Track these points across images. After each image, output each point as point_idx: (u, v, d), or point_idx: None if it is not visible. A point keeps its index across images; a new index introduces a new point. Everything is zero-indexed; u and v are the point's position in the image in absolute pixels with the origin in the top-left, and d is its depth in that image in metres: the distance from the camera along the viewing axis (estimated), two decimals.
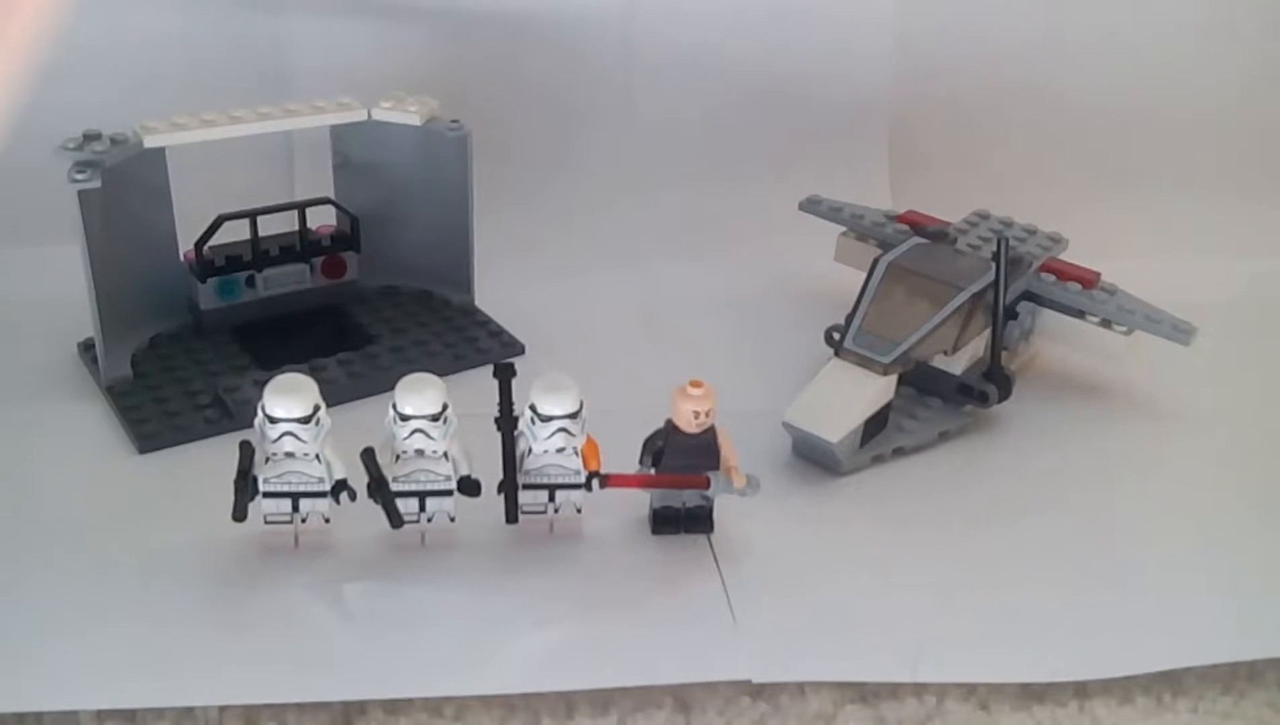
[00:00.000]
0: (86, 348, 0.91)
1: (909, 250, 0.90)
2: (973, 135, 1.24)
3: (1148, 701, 0.68)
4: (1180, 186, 1.23)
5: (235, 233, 0.93)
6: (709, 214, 1.16)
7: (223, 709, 0.64)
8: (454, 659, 0.67)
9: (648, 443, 0.74)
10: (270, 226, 0.95)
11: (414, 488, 0.73)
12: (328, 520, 0.73)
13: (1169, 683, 0.69)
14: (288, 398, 0.69)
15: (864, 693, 0.67)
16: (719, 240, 1.14)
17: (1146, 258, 1.06)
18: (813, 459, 0.84)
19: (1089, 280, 0.92)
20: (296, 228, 0.95)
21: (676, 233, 1.14)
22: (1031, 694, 0.67)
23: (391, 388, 0.71)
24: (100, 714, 0.63)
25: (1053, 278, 0.92)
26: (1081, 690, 0.68)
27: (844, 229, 1.03)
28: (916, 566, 0.75)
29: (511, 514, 0.74)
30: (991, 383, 0.87)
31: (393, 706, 0.65)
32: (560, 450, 0.72)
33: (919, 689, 0.67)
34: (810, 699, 0.67)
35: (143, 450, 0.82)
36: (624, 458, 0.74)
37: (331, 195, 0.98)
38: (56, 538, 0.74)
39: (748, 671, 0.67)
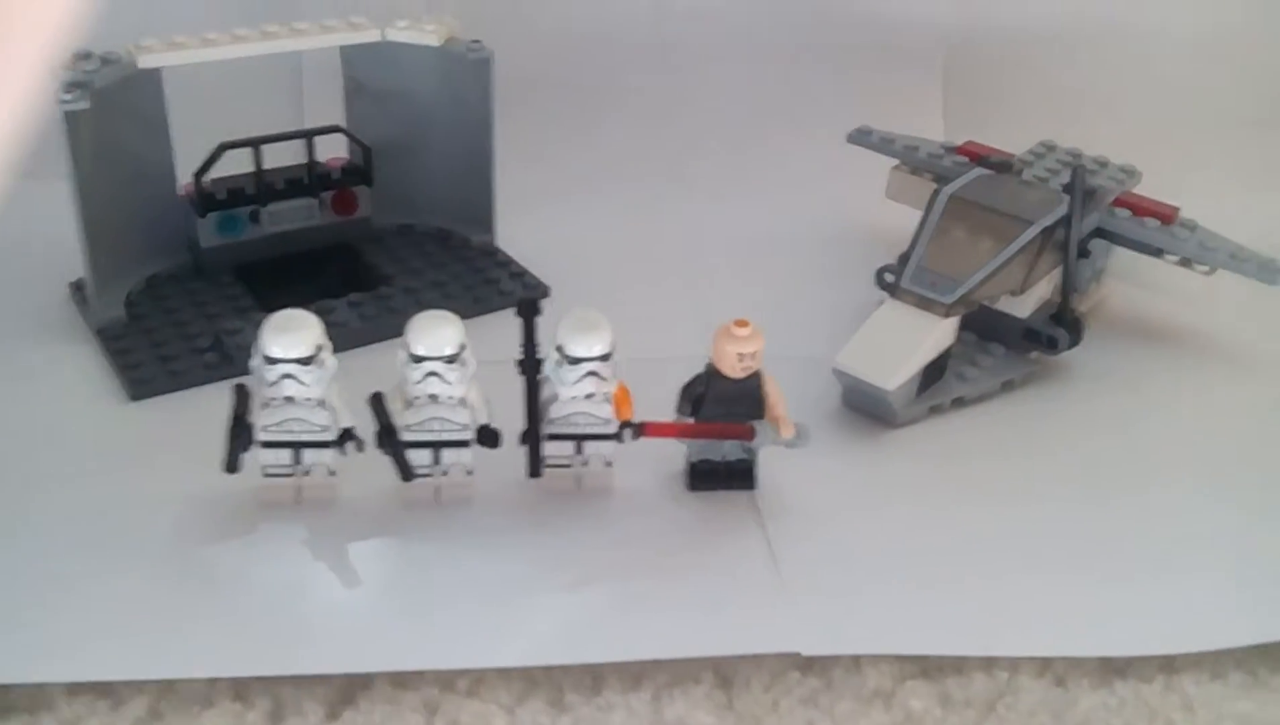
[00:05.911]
0: (78, 288, 0.88)
1: (971, 182, 0.87)
2: (1033, 62, 1.21)
3: (1242, 677, 0.64)
4: (1259, 118, 1.19)
5: (238, 164, 0.90)
6: (750, 147, 1.14)
7: (210, 682, 0.61)
8: (469, 628, 0.64)
9: (686, 389, 0.71)
10: (276, 158, 0.92)
11: (427, 437, 0.70)
12: (333, 473, 0.71)
13: (1265, 657, 0.65)
14: (287, 336, 0.67)
15: (926, 667, 0.64)
16: (761, 175, 1.12)
17: (1221, 194, 1.01)
18: (865, 409, 0.80)
19: (1168, 216, 0.88)
20: (304, 159, 0.92)
21: (715, 168, 1.12)
22: (1113, 669, 0.64)
23: None
24: (71, 688, 0.60)
25: (1128, 213, 0.89)
26: (1168, 665, 0.64)
27: (896, 162, 1.00)
28: (981, 528, 0.72)
29: (535, 467, 0.71)
30: (1061, 327, 0.84)
31: (401, 680, 0.62)
32: (590, 397, 0.70)
33: (988, 663, 0.64)
34: (867, 674, 0.63)
35: (134, 397, 0.80)
36: (659, 406, 0.71)
37: (343, 123, 0.95)
38: (37, 491, 0.71)
39: (796, 643, 0.64)
